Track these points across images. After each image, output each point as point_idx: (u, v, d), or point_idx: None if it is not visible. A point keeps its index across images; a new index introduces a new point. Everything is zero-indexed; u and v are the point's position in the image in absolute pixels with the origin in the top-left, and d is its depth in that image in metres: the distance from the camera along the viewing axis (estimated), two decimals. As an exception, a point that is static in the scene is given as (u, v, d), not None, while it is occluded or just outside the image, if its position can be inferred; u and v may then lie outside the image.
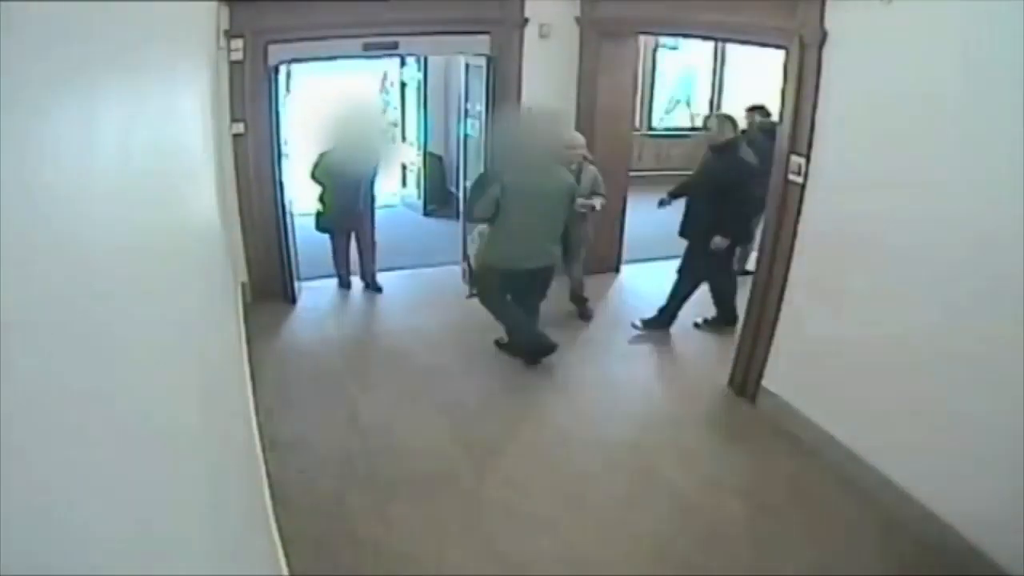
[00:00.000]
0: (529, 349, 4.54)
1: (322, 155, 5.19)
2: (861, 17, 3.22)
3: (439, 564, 3.04)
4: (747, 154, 4.78)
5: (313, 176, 5.21)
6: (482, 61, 5.40)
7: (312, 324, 5.17)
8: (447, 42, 5.39)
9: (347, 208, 5.26)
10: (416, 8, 4.95)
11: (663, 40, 8.39)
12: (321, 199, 5.31)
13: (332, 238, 5.52)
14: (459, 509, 3.36)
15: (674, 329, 5.19)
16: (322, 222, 5.39)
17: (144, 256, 1.23)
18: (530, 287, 4.49)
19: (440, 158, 7.66)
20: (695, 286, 4.94)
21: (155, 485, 1.02)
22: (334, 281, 5.64)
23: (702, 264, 4.83)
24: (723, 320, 5.07)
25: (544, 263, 4.38)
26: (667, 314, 5.00)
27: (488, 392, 4.26)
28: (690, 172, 5.38)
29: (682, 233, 4.86)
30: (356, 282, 5.71)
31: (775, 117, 5.73)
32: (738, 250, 5.25)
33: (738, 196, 4.58)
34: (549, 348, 4.50)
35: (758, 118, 5.66)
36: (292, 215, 5.34)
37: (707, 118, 4.92)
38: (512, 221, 4.23)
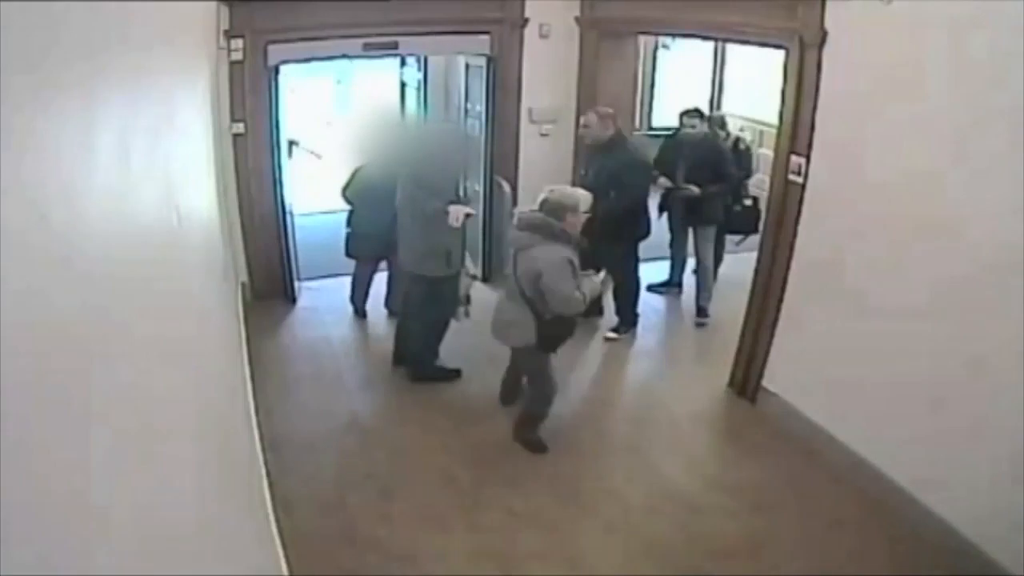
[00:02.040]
0: (394, 347, 4.53)
1: (356, 171, 4.82)
2: (861, 17, 3.22)
3: (439, 564, 3.04)
4: (636, 151, 4.73)
5: (344, 194, 4.82)
6: (482, 61, 5.40)
7: (312, 324, 5.16)
8: (447, 42, 5.38)
9: (378, 232, 4.60)
10: (416, 8, 4.94)
11: (663, 40, 8.38)
12: (349, 220, 4.89)
13: (356, 264, 5.08)
14: (459, 509, 3.36)
15: (674, 329, 5.19)
16: (352, 247, 4.95)
17: (144, 256, 1.23)
18: (407, 288, 4.35)
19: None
20: (628, 281, 4.95)
21: (155, 484, 1.02)
22: (334, 281, 5.61)
23: (619, 261, 4.80)
24: (622, 323, 5.04)
25: (407, 266, 4.18)
26: (627, 317, 5.04)
27: (489, 393, 4.25)
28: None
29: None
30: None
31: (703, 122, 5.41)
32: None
33: (630, 193, 4.54)
34: (399, 359, 4.49)
35: (702, 127, 5.20)
36: (292, 215, 5.34)
37: (586, 115, 4.68)
38: (398, 220, 4.21)
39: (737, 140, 5.67)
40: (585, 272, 3.59)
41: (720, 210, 5.23)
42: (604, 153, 4.61)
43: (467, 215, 3.99)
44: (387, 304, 5.23)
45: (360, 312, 5.25)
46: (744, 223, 5.24)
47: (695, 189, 5.02)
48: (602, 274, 3.83)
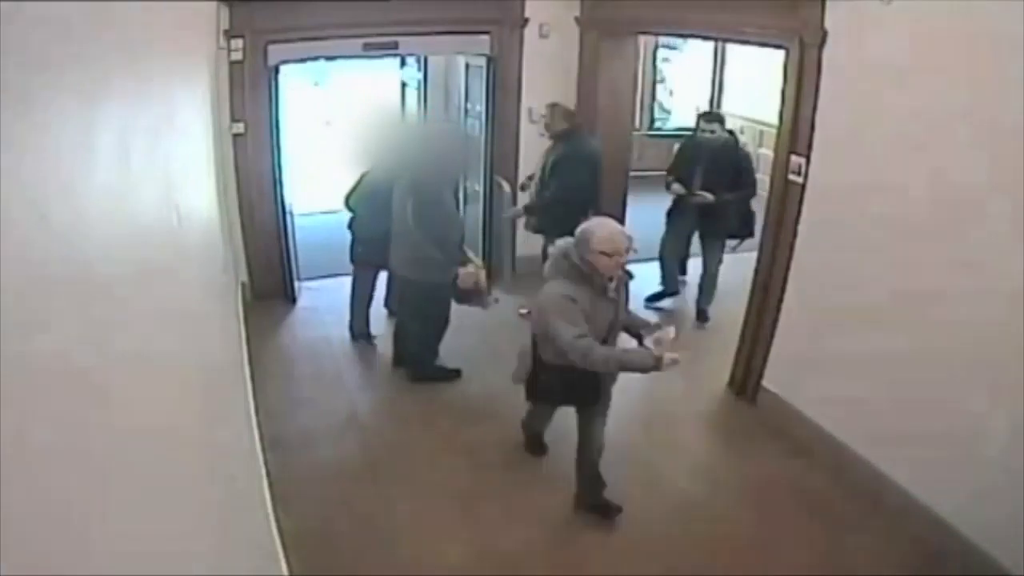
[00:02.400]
0: (393, 349, 4.57)
1: (362, 176, 4.56)
2: (861, 17, 3.22)
3: (439, 563, 3.04)
4: (588, 144, 4.80)
5: (347, 201, 4.60)
6: (482, 61, 5.40)
7: (312, 324, 5.16)
8: (447, 42, 5.39)
9: (381, 237, 4.29)
10: (416, 8, 4.94)
11: (663, 40, 8.38)
12: (351, 225, 4.65)
13: (355, 274, 4.81)
14: (459, 508, 3.36)
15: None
16: (355, 253, 4.71)
17: (144, 256, 1.23)
18: (400, 293, 4.44)
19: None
20: None
21: (155, 485, 1.02)
22: (334, 281, 5.59)
23: None
24: None
25: (398, 270, 4.21)
26: None
27: (489, 392, 4.25)
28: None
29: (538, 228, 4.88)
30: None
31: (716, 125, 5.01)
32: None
33: (564, 184, 4.62)
34: (399, 360, 4.51)
35: (722, 131, 5.00)
36: (292, 215, 5.34)
37: (549, 107, 4.88)
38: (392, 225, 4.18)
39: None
40: (649, 326, 3.10)
41: (734, 220, 5.07)
42: (554, 145, 4.80)
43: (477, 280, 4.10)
44: (387, 303, 5.17)
45: (363, 334, 4.88)
46: (740, 227, 5.15)
47: (709, 196, 4.91)
48: (670, 330, 2.97)
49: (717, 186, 4.90)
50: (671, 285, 5.46)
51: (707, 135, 5.00)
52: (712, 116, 5.19)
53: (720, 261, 5.24)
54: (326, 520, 3.25)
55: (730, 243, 5.26)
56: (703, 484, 3.57)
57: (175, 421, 1.29)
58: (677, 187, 5.05)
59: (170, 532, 1.05)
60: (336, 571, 2.97)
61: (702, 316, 5.28)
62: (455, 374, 4.41)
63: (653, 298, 5.43)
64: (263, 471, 3.36)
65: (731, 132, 5.20)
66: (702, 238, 5.24)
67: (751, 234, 4.98)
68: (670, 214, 5.26)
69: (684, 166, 5.11)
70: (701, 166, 4.98)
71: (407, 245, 4.00)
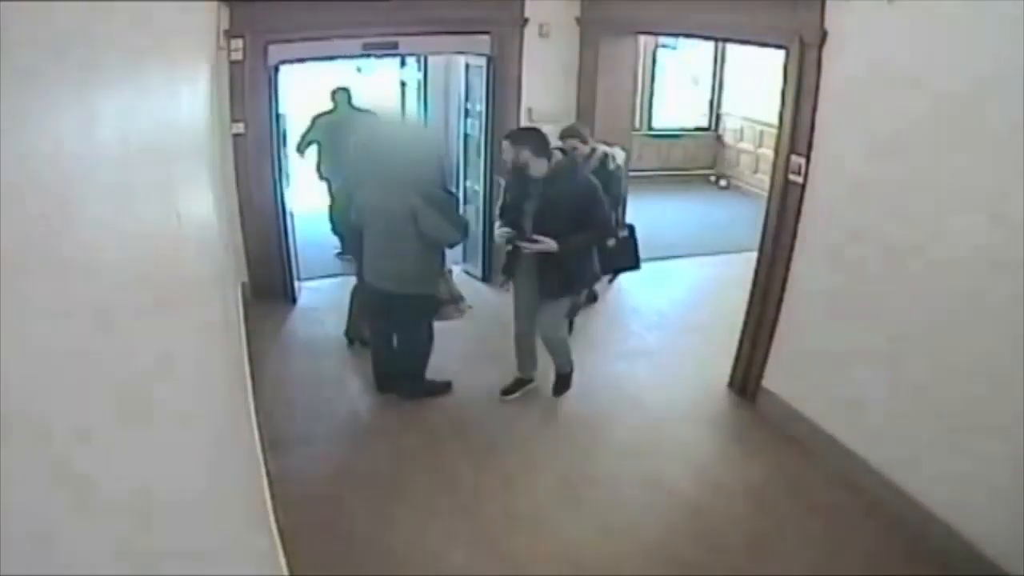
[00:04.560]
0: (374, 372, 4.30)
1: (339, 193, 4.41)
2: (861, 17, 3.22)
3: (439, 564, 3.03)
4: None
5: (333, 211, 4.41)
6: (482, 61, 5.40)
7: (312, 324, 5.16)
8: (447, 42, 5.39)
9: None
10: (416, 8, 4.95)
11: (663, 40, 8.40)
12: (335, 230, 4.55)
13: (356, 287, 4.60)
14: (459, 509, 3.36)
15: (673, 329, 5.19)
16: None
17: (143, 256, 1.23)
18: (384, 309, 4.05)
19: (440, 158, 7.59)
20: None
21: (155, 485, 1.02)
22: (334, 281, 5.60)
23: None
24: None
25: (393, 287, 3.83)
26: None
27: (489, 393, 4.26)
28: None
29: None
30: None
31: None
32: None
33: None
34: (384, 384, 4.24)
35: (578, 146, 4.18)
36: (292, 215, 5.34)
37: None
38: (366, 234, 3.92)
39: (605, 157, 4.57)
40: None
41: (587, 273, 3.91)
42: None
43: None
44: (348, 333, 4.82)
45: (361, 339, 4.69)
46: (617, 260, 4.54)
47: (551, 243, 3.55)
48: None
49: (558, 227, 3.58)
50: (526, 370, 4.19)
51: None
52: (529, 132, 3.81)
53: (556, 325, 3.98)
54: (325, 519, 3.25)
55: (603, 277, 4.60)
56: (703, 484, 3.57)
57: (174, 421, 1.29)
58: (503, 231, 3.69)
59: (169, 532, 1.05)
60: (336, 571, 2.97)
61: (561, 384, 4.22)
62: (447, 387, 4.29)
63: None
64: (263, 471, 3.36)
65: (563, 151, 3.91)
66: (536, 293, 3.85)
67: (633, 265, 4.69)
68: (505, 271, 4.00)
69: (512, 202, 3.78)
70: (530, 200, 3.66)
71: (405, 256, 3.77)
